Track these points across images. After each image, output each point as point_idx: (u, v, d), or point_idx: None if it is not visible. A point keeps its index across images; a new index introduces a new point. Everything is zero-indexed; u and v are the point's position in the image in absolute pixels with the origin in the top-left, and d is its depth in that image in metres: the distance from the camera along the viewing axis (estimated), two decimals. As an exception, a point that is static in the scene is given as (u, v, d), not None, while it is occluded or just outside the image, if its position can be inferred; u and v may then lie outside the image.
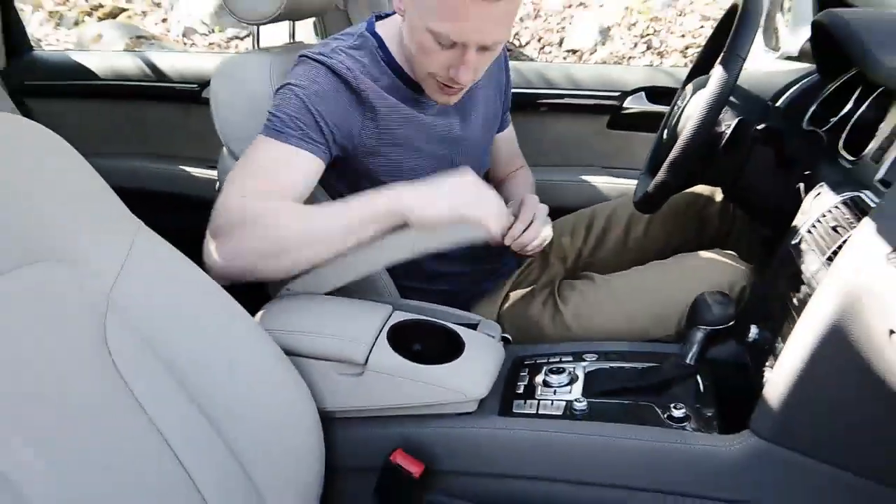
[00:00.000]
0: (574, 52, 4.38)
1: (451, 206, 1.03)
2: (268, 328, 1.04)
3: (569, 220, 1.57)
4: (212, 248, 1.06)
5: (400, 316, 1.11)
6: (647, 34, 4.36)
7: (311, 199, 1.15)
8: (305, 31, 2.16)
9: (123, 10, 5.14)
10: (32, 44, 2.28)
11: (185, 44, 4.85)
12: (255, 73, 1.27)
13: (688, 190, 1.49)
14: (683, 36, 4.28)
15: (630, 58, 4.28)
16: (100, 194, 0.93)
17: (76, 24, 5.06)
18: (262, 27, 1.38)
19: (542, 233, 1.25)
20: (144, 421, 0.84)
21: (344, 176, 1.23)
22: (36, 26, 5.06)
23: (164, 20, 5.11)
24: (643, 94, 1.76)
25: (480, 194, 1.07)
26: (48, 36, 5.02)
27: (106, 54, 2.19)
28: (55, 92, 2.17)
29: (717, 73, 1.11)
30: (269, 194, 1.07)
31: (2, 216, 0.80)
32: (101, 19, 5.03)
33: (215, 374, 0.94)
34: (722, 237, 1.51)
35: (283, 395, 0.99)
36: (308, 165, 1.12)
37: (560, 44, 4.47)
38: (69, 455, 0.75)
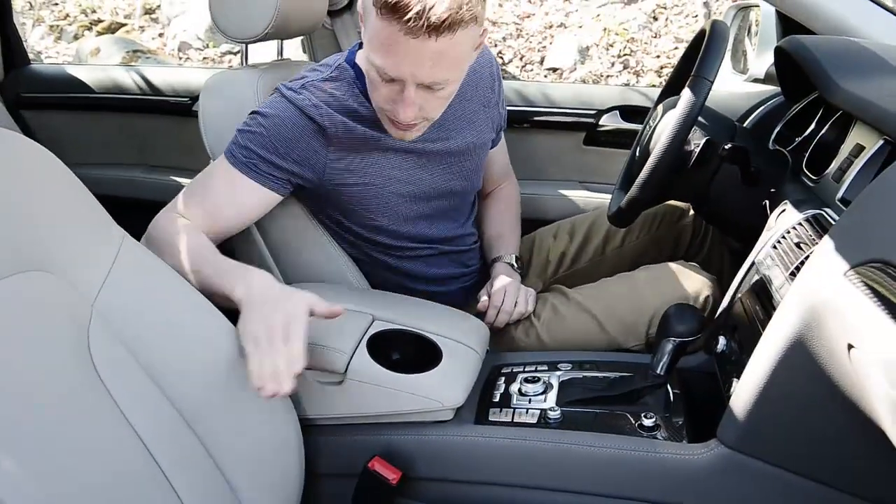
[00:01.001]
0: (555, 70, 4.45)
1: (245, 332, 0.96)
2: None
3: (548, 231, 1.61)
4: None
5: (380, 326, 1.13)
6: (624, 54, 4.44)
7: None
8: (294, 47, 2.18)
9: (122, 24, 5.17)
10: (33, 57, 2.30)
11: (180, 58, 4.88)
12: (242, 89, 1.30)
13: (665, 203, 1.54)
14: (658, 56, 4.37)
15: (608, 76, 4.36)
16: (86, 205, 0.95)
17: (76, 37, 5.08)
18: (251, 45, 1.40)
19: (517, 309, 1.32)
20: (125, 428, 0.85)
21: (332, 205, 1.27)
22: (37, 40, 5.08)
23: (161, 35, 5.14)
24: (617, 112, 1.81)
25: (270, 344, 0.94)
26: (48, 49, 5.05)
27: (101, 68, 2.24)
28: (51, 104, 2.20)
29: (686, 95, 1.15)
30: (202, 214, 1.17)
31: (-8, 226, 0.81)
32: (100, 34, 5.05)
33: (197, 381, 0.96)
34: (696, 249, 1.56)
35: (264, 402, 1.01)
36: (252, 194, 1.18)
37: (541, 62, 4.54)
38: (49, 463, 0.77)
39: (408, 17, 0.97)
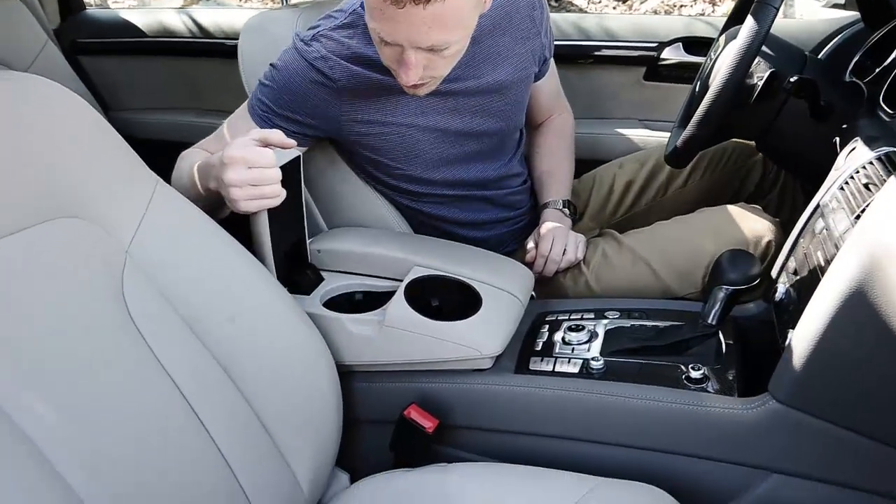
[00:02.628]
0: (624, 0, 4.25)
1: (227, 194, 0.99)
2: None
3: (612, 165, 1.55)
4: None
5: (419, 272, 1.11)
6: (701, -20, 4.20)
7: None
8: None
9: (187, -35, 5.19)
10: (99, 1, 2.32)
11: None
12: (282, 29, 1.28)
13: (732, 141, 1.45)
14: (738, -17, 4.11)
15: (681, 6, 4.13)
16: (118, 151, 0.95)
17: (142, -20, 5.14)
18: None
19: (566, 257, 1.28)
20: (161, 373, 0.86)
21: (358, 155, 1.25)
22: (104, -17, 5.16)
23: (224, -25, 5.13)
24: (680, 44, 1.70)
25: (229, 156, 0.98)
26: (115, -7, 5.13)
27: (155, 12, 2.24)
28: (106, 50, 2.22)
29: (748, 24, 1.06)
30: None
31: (21, 174, 0.81)
32: (166, -26, 5.08)
33: (233, 328, 0.95)
34: (766, 191, 1.47)
35: (302, 349, 1.01)
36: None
37: (610, -9, 4.34)
38: (85, 407, 0.78)
39: None
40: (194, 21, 2.09)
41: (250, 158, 0.96)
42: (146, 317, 0.88)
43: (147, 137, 2.17)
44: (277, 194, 0.99)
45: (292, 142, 1.02)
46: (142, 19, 2.17)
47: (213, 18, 2.09)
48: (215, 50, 2.06)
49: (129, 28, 2.15)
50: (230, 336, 0.95)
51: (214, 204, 1.06)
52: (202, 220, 0.99)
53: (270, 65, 1.17)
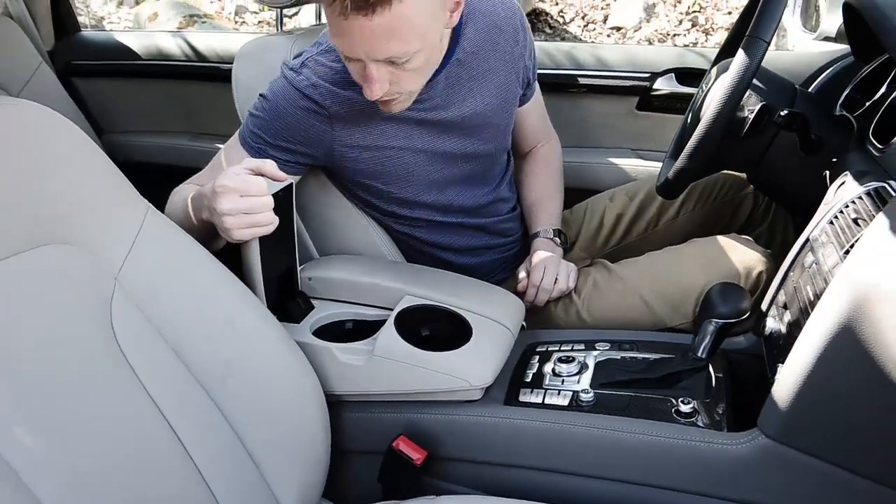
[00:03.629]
0: (618, 29, 4.29)
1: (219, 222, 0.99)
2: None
3: (603, 196, 1.55)
4: None
5: (410, 301, 1.10)
6: (693, 11, 4.24)
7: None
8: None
9: (183, -13, 5.22)
10: (95, 22, 2.33)
11: (236, 22, 4.90)
12: (276, 56, 1.28)
13: (724, 173, 1.46)
14: (730, 13, 4.15)
15: (675, 35, 4.17)
16: (110, 177, 0.94)
17: (137, 2, 5.15)
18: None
19: (558, 286, 1.27)
20: (147, 403, 0.85)
21: (349, 180, 1.25)
22: (100, 5, 5.17)
23: (220, -1, 5.16)
24: (673, 75, 1.71)
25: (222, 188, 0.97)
26: (111, 14, 5.13)
27: (150, 35, 2.25)
28: (101, 72, 2.23)
29: (739, 58, 1.07)
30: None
31: (12, 199, 0.81)
32: (161, -2, 5.11)
33: (219, 355, 0.95)
34: (757, 223, 1.48)
35: (290, 378, 1.00)
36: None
37: (604, 21, 4.37)
38: (67, 432, 0.77)
39: None
40: (189, 44, 2.10)
41: (242, 188, 0.96)
42: (134, 343, 0.87)
43: (140, 160, 2.17)
44: (270, 222, 0.99)
45: (284, 174, 1.02)
46: (137, 42, 2.17)
47: (207, 42, 2.09)
48: (210, 74, 2.06)
49: (123, 50, 2.16)
50: (217, 364, 0.94)
51: (208, 235, 1.05)
52: (192, 246, 0.98)
53: (260, 95, 1.17)
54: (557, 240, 1.36)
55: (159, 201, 1.13)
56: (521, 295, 1.27)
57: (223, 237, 1.01)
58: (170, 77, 2.14)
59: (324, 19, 1.52)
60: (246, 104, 1.24)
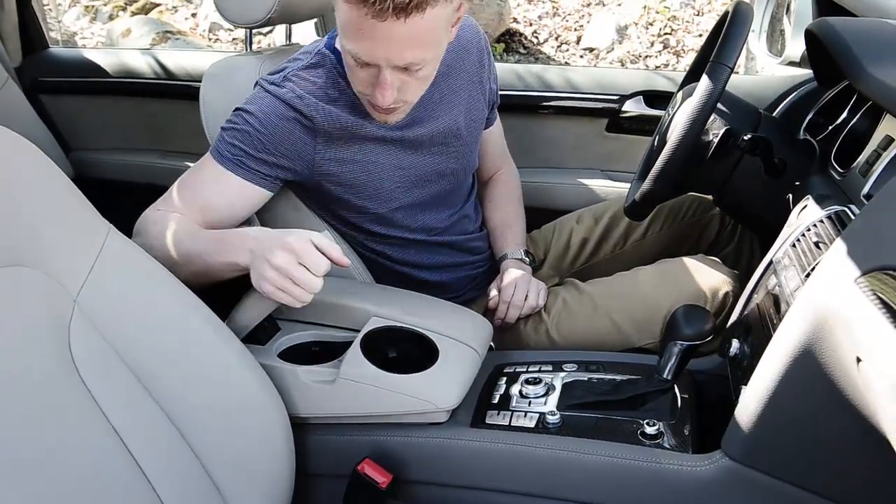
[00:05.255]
0: (591, 50, 4.33)
1: (258, 282, 0.99)
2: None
3: (571, 218, 1.56)
4: None
5: (376, 322, 1.10)
6: (665, 33, 4.30)
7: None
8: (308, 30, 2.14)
9: (156, 4, 5.17)
10: (67, 38, 2.30)
11: (209, 39, 4.88)
12: (244, 76, 1.27)
13: (691, 195, 1.48)
14: (701, 35, 4.22)
15: (647, 56, 4.23)
16: (70, 198, 0.93)
17: (111, 18, 5.11)
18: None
19: (528, 303, 1.28)
20: (104, 426, 0.84)
21: (324, 196, 1.24)
22: (72, 20, 5.11)
23: (194, 16, 5.13)
24: (641, 98, 1.73)
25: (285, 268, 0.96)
26: (83, 30, 5.08)
27: (119, 52, 2.23)
28: (68, 89, 2.20)
29: (703, 83, 1.09)
30: (188, 208, 1.14)
31: (-33, 220, 0.80)
32: (134, 14, 5.06)
33: (182, 378, 0.94)
34: (724, 244, 1.49)
35: (254, 400, 0.99)
36: (242, 192, 1.15)
37: (577, 42, 4.42)
38: (23, 462, 0.75)
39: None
40: (158, 62, 2.08)
41: (306, 258, 0.95)
42: (92, 367, 0.86)
43: (108, 178, 2.14)
44: (304, 301, 0.97)
45: (347, 261, 1.00)
46: (105, 59, 2.15)
47: (177, 61, 2.08)
48: (179, 92, 2.04)
49: (92, 68, 2.13)
50: (177, 386, 0.93)
51: (200, 275, 1.05)
52: (154, 268, 0.97)
53: (238, 109, 1.16)
54: (527, 259, 1.37)
55: (128, 218, 1.12)
56: (491, 312, 1.27)
57: (218, 278, 1.01)
58: (139, 95, 2.12)
59: (294, 40, 1.52)
60: (214, 123, 1.23)
